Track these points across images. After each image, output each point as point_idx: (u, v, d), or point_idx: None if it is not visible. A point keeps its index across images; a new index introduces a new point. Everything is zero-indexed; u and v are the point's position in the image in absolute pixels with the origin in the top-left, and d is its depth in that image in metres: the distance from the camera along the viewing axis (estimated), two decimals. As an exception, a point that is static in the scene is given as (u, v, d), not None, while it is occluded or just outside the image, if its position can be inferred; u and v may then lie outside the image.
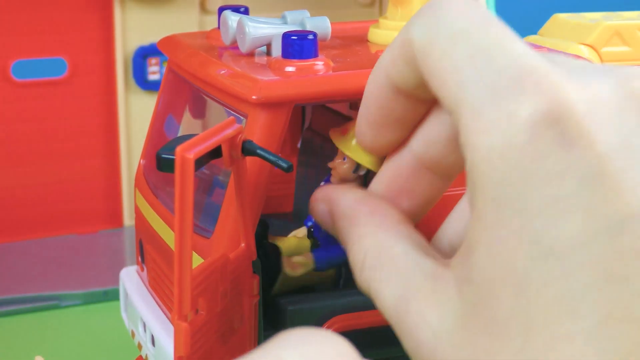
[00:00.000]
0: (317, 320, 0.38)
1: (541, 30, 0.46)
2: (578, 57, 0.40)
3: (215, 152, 0.31)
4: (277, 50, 0.38)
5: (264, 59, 0.39)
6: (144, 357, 0.41)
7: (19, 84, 0.66)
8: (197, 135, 0.30)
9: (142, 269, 0.43)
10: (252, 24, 0.38)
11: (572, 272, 0.23)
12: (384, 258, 0.29)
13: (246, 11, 0.43)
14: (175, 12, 0.69)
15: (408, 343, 0.27)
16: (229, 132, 0.32)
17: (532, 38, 0.46)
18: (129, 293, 0.43)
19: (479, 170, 0.25)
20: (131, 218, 0.70)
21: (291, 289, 0.39)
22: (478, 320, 0.25)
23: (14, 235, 0.68)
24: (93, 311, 0.60)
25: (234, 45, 0.40)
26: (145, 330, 0.40)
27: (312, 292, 0.39)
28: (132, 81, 0.69)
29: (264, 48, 0.40)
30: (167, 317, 0.40)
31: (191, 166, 0.29)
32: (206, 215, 0.38)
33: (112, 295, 0.60)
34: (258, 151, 0.32)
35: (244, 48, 0.39)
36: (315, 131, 0.47)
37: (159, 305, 0.41)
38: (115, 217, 0.71)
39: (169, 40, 0.44)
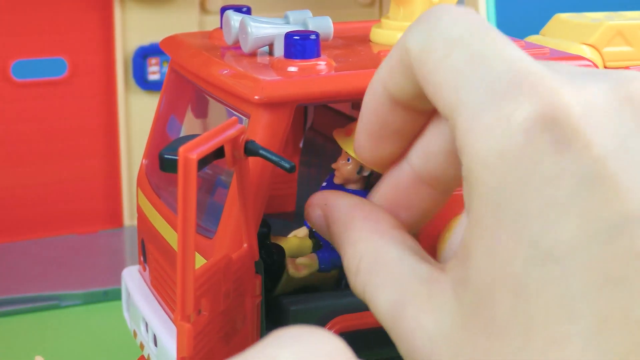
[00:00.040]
0: (320, 320, 0.38)
1: (543, 30, 0.46)
2: (581, 57, 0.40)
3: (218, 153, 0.31)
4: (279, 50, 0.38)
5: (267, 58, 0.39)
6: (146, 357, 0.41)
7: (19, 84, 0.66)
8: (199, 135, 0.30)
9: (144, 269, 0.43)
10: (255, 24, 0.38)
11: (571, 274, 0.23)
12: (378, 263, 0.29)
13: (248, 11, 0.43)
14: (175, 12, 0.69)
15: (403, 348, 0.27)
16: (232, 132, 0.32)
17: (534, 38, 0.46)
18: (131, 293, 0.43)
19: (475, 173, 0.25)
20: (131, 218, 0.70)
21: (294, 289, 0.39)
22: (476, 323, 0.25)
23: (14, 235, 0.68)
24: (93, 311, 0.60)
25: (236, 45, 0.40)
26: (147, 330, 0.40)
27: (314, 292, 0.39)
28: (132, 81, 0.69)
29: (267, 48, 0.40)
30: (169, 316, 0.40)
31: (194, 167, 0.29)
32: (208, 215, 0.38)
33: (112, 295, 0.60)
34: (261, 151, 0.32)
35: (246, 48, 0.39)
36: (317, 131, 0.47)
37: (161, 305, 0.41)
38: (115, 217, 0.71)
39: (171, 40, 0.44)
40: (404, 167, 0.31)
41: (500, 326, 0.24)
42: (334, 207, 0.32)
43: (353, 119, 0.43)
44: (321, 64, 0.37)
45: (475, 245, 0.25)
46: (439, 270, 0.27)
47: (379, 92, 0.30)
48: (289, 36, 0.37)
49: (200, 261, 0.36)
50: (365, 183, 0.39)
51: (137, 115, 0.69)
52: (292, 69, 0.36)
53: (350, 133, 0.39)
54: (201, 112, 0.46)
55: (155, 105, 0.47)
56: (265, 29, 0.39)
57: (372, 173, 0.38)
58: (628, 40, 0.43)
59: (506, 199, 0.24)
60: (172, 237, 0.39)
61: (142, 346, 0.41)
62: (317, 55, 0.37)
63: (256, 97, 0.35)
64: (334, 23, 0.41)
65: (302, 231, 0.41)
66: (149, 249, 0.42)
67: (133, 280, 0.44)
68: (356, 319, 0.38)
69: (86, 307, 0.60)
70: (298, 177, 0.48)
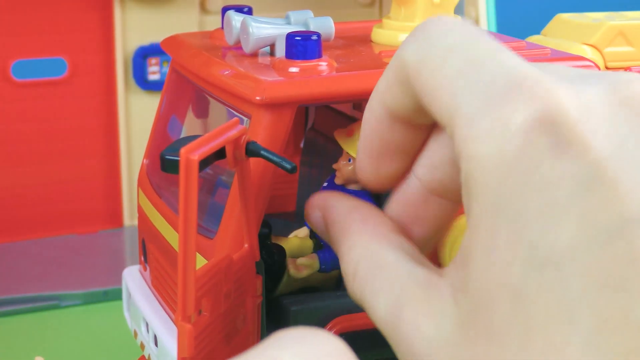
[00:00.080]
0: (320, 320, 0.38)
1: (544, 30, 0.46)
2: (582, 58, 0.40)
3: (220, 153, 0.31)
4: (280, 50, 0.38)
5: (268, 59, 0.39)
6: (146, 357, 0.41)
7: (19, 84, 0.66)
8: (201, 136, 0.30)
9: (145, 269, 0.43)
10: (256, 24, 0.38)
11: (569, 278, 0.23)
12: (375, 268, 0.29)
13: (250, 11, 0.43)
14: (175, 12, 0.69)
15: (402, 353, 0.27)
16: (233, 133, 0.32)
17: (535, 38, 0.46)
18: (132, 293, 0.43)
19: (474, 178, 0.25)
20: (131, 218, 0.70)
21: (294, 290, 0.39)
22: (475, 328, 0.25)
23: (14, 235, 0.68)
24: (93, 311, 0.60)
25: (237, 46, 0.40)
26: (148, 330, 0.40)
27: (315, 293, 0.39)
28: (132, 81, 0.69)
29: (268, 48, 0.40)
30: (170, 317, 0.40)
31: (195, 167, 0.29)
32: (209, 215, 0.38)
33: (112, 295, 0.60)
34: (262, 152, 0.32)
35: (247, 48, 0.39)
36: (318, 131, 0.47)
37: (162, 305, 0.41)
38: (115, 217, 0.71)
39: (172, 40, 0.44)
40: (411, 181, 0.30)
41: (500, 330, 0.24)
42: (332, 210, 0.32)
43: (354, 120, 0.43)
44: (322, 65, 0.37)
45: (474, 250, 0.25)
46: (437, 275, 0.27)
47: (377, 109, 0.30)
48: (290, 37, 0.37)
49: (201, 261, 0.36)
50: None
51: (137, 115, 0.69)
52: (293, 69, 0.36)
53: (351, 133, 0.39)
54: (202, 112, 0.46)
55: (155, 105, 0.47)
56: (267, 29, 0.39)
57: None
58: (629, 40, 0.43)
59: (505, 202, 0.24)
60: (173, 237, 0.39)
61: (142, 346, 0.41)
62: (318, 55, 0.37)
63: (257, 98, 0.35)
64: (335, 23, 0.41)
65: (303, 231, 0.41)
66: (150, 248, 0.42)
67: (134, 280, 0.44)
68: (356, 320, 0.38)
69: (86, 307, 0.60)
70: (299, 177, 0.48)
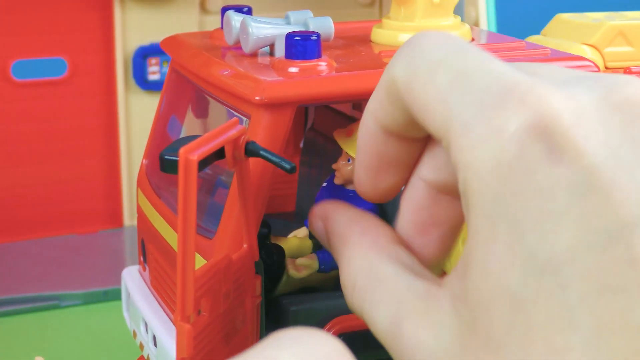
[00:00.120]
0: (320, 320, 0.38)
1: (544, 30, 0.46)
2: (581, 58, 0.40)
3: (219, 154, 0.31)
4: (280, 50, 0.38)
5: (267, 59, 0.39)
6: (145, 357, 0.41)
7: (19, 84, 0.66)
8: (200, 136, 0.30)
9: (144, 269, 0.43)
10: (255, 24, 0.38)
11: (568, 282, 0.23)
12: (374, 280, 0.29)
13: (249, 11, 0.43)
14: (175, 12, 0.69)
15: None
16: (232, 133, 0.32)
17: (534, 38, 0.45)
18: (131, 293, 0.43)
19: (471, 187, 0.25)
20: (131, 218, 0.70)
21: (294, 290, 0.39)
22: (475, 338, 0.25)
23: (14, 235, 0.68)
24: (93, 311, 0.60)
25: (237, 46, 0.40)
26: (147, 331, 0.40)
27: (314, 293, 0.39)
28: (132, 81, 0.69)
29: (267, 48, 0.40)
30: (169, 317, 0.40)
31: (195, 168, 0.29)
32: (209, 215, 0.38)
33: (112, 295, 0.60)
34: (261, 152, 0.32)
35: (247, 48, 0.39)
36: (317, 131, 0.47)
37: (161, 305, 0.41)
38: (115, 217, 0.71)
39: (172, 40, 0.44)
40: (417, 185, 0.30)
41: (500, 339, 0.24)
42: (333, 220, 0.32)
43: (354, 120, 0.43)
44: (322, 65, 0.37)
45: (472, 259, 0.25)
46: (437, 286, 0.27)
47: (371, 125, 0.30)
48: (289, 37, 0.37)
49: (200, 262, 0.36)
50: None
51: (137, 115, 0.69)
52: (293, 69, 0.36)
53: (350, 134, 0.39)
54: (202, 112, 0.46)
55: (155, 105, 0.47)
56: (266, 29, 0.39)
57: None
58: (629, 40, 0.43)
59: (502, 210, 0.24)
60: (172, 238, 0.39)
61: (141, 346, 0.41)
62: (318, 55, 0.37)
63: (257, 98, 0.35)
64: (334, 23, 0.41)
65: (302, 231, 0.41)
66: (149, 249, 0.42)
67: (133, 280, 0.44)
68: (356, 320, 0.37)
69: (86, 307, 0.60)
70: (298, 177, 0.48)
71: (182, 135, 0.45)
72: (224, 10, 0.41)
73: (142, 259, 0.44)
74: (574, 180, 0.24)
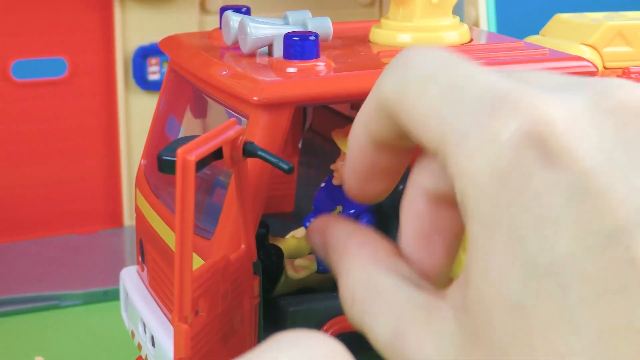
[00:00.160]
0: (318, 321, 0.38)
1: (543, 30, 0.46)
2: (580, 58, 0.40)
3: (217, 154, 0.31)
4: (278, 51, 0.38)
5: (266, 59, 0.39)
6: (143, 357, 0.41)
7: (19, 84, 0.66)
8: (198, 136, 0.30)
9: (143, 269, 0.43)
10: (254, 25, 0.38)
11: (569, 288, 0.23)
12: (374, 292, 0.28)
13: (248, 11, 0.43)
14: (175, 12, 0.69)
15: None
16: (230, 133, 0.32)
17: (533, 38, 0.45)
18: (129, 293, 0.43)
19: (468, 195, 0.25)
20: (131, 218, 0.70)
21: (292, 290, 0.39)
22: (479, 348, 0.25)
23: (14, 235, 0.68)
24: (93, 311, 0.60)
25: (235, 46, 0.40)
26: (145, 331, 0.40)
27: (313, 293, 0.39)
28: (132, 81, 0.69)
29: (266, 48, 0.40)
30: (167, 317, 0.39)
31: (192, 168, 0.29)
32: (207, 216, 0.38)
33: (112, 295, 0.60)
34: (259, 153, 0.32)
35: (245, 48, 0.39)
36: (316, 131, 0.47)
37: (159, 306, 0.41)
38: (115, 217, 0.71)
39: (171, 40, 0.44)
40: (417, 196, 0.30)
41: (503, 347, 0.24)
42: (332, 234, 0.32)
43: (352, 120, 0.43)
44: (320, 65, 0.36)
45: (472, 269, 0.25)
46: (438, 297, 0.27)
47: (361, 136, 0.30)
48: (288, 37, 0.37)
49: (198, 262, 0.36)
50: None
51: (137, 115, 0.69)
52: (291, 69, 0.36)
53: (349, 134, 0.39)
54: (200, 112, 0.46)
55: (155, 105, 0.47)
56: (265, 29, 0.39)
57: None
58: (628, 40, 0.43)
59: (500, 217, 0.24)
60: (170, 238, 0.39)
61: (139, 346, 0.41)
62: (316, 56, 0.37)
63: (255, 98, 0.35)
64: (333, 23, 0.41)
65: (300, 232, 0.41)
66: (147, 249, 0.42)
67: (131, 280, 0.44)
68: (355, 320, 0.38)
69: (86, 307, 0.60)
70: (297, 177, 0.48)
71: (180, 135, 0.45)
72: (223, 10, 0.41)
73: (140, 259, 0.44)
74: (570, 185, 0.24)
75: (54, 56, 0.67)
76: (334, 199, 0.39)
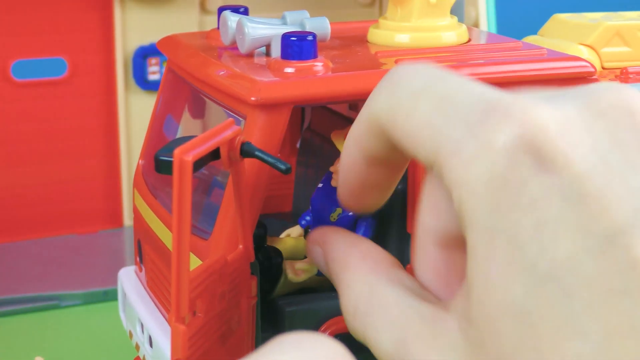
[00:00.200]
0: (315, 321, 0.38)
1: (541, 31, 0.46)
2: (578, 58, 0.40)
3: (214, 154, 0.31)
4: (276, 51, 0.38)
5: (264, 59, 0.39)
6: (141, 357, 0.41)
7: (19, 84, 0.66)
8: (195, 137, 0.30)
9: (141, 269, 0.43)
10: (252, 25, 0.38)
11: (572, 292, 0.23)
12: (376, 305, 0.28)
13: (246, 11, 0.43)
14: (175, 12, 0.69)
15: None
16: (228, 134, 0.32)
17: (531, 38, 0.45)
18: (127, 293, 0.43)
19: (466, 204, 0.25)
20: (131, 218, 0.70)
21: (291, 291, 0.39)
22: (485, 357, 0.25)
23: (14, 235, 0.68)
24: (93, 311, 0.60)
25: (233, 46, 0.40)
26: (143, 331, 0.40)
27: (311, 294, 0.39)
28: (132, 81, 0.69)
29: (264, 49, 0.40)
30: (165, 318, 0.39)
31: (189, 169, 0.29)
32: (205, 216, 0.38)
33: (112, 295, 0.60)
34: (256, 153, 0.32)
35: (243, 49, 0.39)
36: (314, 131, 0.47)
37: (157, 306, 0.41)
38: (115, 217, 0.71)
39: (169, 40, 0.44)
40: (427, 243, 0.29)
41: (509, 355, 0.24)
42: (331, 246, 0.32)
43: (351, 120, 0.43)
44: (318, 65, 0.36)
45: (474, 278, 0.25)
46: (442, 309, 0.27)
47: (354, 152, 0.30)
48: (285, 37, 0.37)
49: (196, 262, 0.36)
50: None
51: (137, 115, 0.69)
52: (289, 70, 0.36)
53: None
54: (198, 113, 0.45)
55: (155, 105, 0.47)
56: (262, 29, 0.39)
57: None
58: (626, 40, 0.43)
59: (499, 223, 0.24)
60: (168, 238, 0.39)
61: (137, 347, 0.41)
62: (314, 56, 0.37)
63: (252, 99, 0.35)
64: (332, 23, 0.40)
65: (296, 230, 0.41)
66: (145, 249, 0.42)
67: (129, 280, 0.44)
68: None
69: (86, 307, 0.60)
70: (295, 177, 0.48)
71: (178, 135, 0.45)
72: (221, 10, 0.41)
73: (138, 259, 0.44)
74: (566, 188, 0.24)
75: (54, 56, 0.67)
76: (332, 200, 0.39)
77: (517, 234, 0.24)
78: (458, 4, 0.42)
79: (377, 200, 0.32)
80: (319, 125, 0.47)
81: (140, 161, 0.45)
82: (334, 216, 0.39)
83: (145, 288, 0.43)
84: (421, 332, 0.27)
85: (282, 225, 0.43)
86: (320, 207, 0.40)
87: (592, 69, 0.38)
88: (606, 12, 0.46)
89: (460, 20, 0.43)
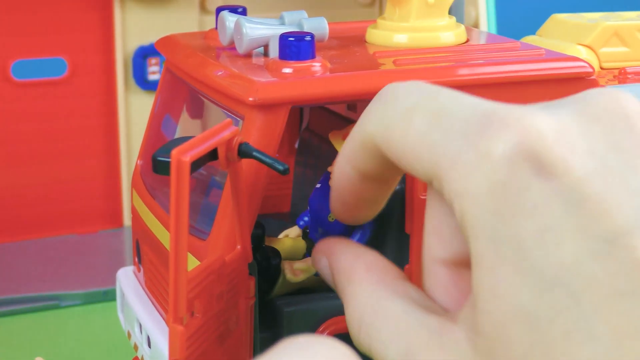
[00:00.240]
0: (314, 321, 0.38)
1: (539, 31, 0.46)
2: (576, 59, 0.40)
3: (212, 155, 0.31)
4: (274, 51, 0.38)
5: (262, 60, 0.39)
6: (140, 358, 0.41)
7: (19, 84, 0.66)
8: (193, 137, 0.30)
9: (139, 270, 0.43)
10: (250, 25, 0.38)
11: (580, 295, 0.23)
12: (382, 317, 0.28)
13: (244, 12, 0.43)
14: (175, 12, 0.69)
15: None
16: (225, 134, 0.32)
17: (530, 38, 0.45)
18: (126, 293, 0.43)
19: (469, 214, 0.25)
20: (131, 218, 0.70)
21: (290, 291, 0.39)
22: None
23: (14, 235, 0.68)
24: (93, 311, 0.60)
25: (231, 46, 0.40)
26: (141, 331, 0.40)
27: (309, 294, 0.39)
28: (132, 81, 0.69)
29: (262, 49, 0.40)
30: (163, 318, 0.39)
31: (187, 169, 0.29)
32: (202, 216, 0.38)
33: (111, 295, 0.60)
34: (254, 153, 0.32)
35: (241, 49, 0.39)
36: (313, 131, 0.47)
37: (155, 306, 0.41)
38: (115, 217, 0.71)
39: (167, 40, 0.44)
40: (434, 270, 0.29)
41: None
42: (337, 257, 0.32)
43: (349, 121, 0.43)
44: (316, 65, 0.36)
45: (481, 288, 0.25)
46: (448, 320, 0.27)
47: (347, 170, 0.30)
48: (283, 37, 0.37)
49: (194, 263, 0.36)
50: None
51: (137, 115, 0.69)
52: (286, 70, 0.36)
53: (346, 136, 0.39)
54: (196, 113, 0.45)
55: (154, 105, 0.47)
56: (260, 29, 0.39)
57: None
58: (624, 40, 0.43)
59: (502, 232, 0.24)
60: (166, 238, 0.39)
61: (136, 347, 0.41)
62: (312, 56, 0.37)
63: (250, 99, 0.35)
64: (330, 23, 0.40)
65: (294, 231, 0.41)
66: (144, 249, 0.42)
67: (128, 280, 0.44)
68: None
69: (86, 307, 0.60)
70: (293, 177, 0.48)
71: (176, 136, 0.45)
72: (219, 10, 0.41)
73: (136, 259, 0.44)
74: (567, 193, 0.24)
75: (54, 56, 0.67)
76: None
77: (521, 241, 0.24)
78: (458, 4, 0.42)
79: (369, 212, 0.32)
80: (317, 125, 0.47)
81: (138, 161, 0.45)
82: (332, 217, 0.39)
83: (143, 288, 0.43)
84: (428, 343, 0.27)
85: (280, 225, 0.43)
86: (318, 208, 0.40)
87: (590, 69, 0.38)
88: (605, 13, 0.46)
89: (460, 20, 0.43)
